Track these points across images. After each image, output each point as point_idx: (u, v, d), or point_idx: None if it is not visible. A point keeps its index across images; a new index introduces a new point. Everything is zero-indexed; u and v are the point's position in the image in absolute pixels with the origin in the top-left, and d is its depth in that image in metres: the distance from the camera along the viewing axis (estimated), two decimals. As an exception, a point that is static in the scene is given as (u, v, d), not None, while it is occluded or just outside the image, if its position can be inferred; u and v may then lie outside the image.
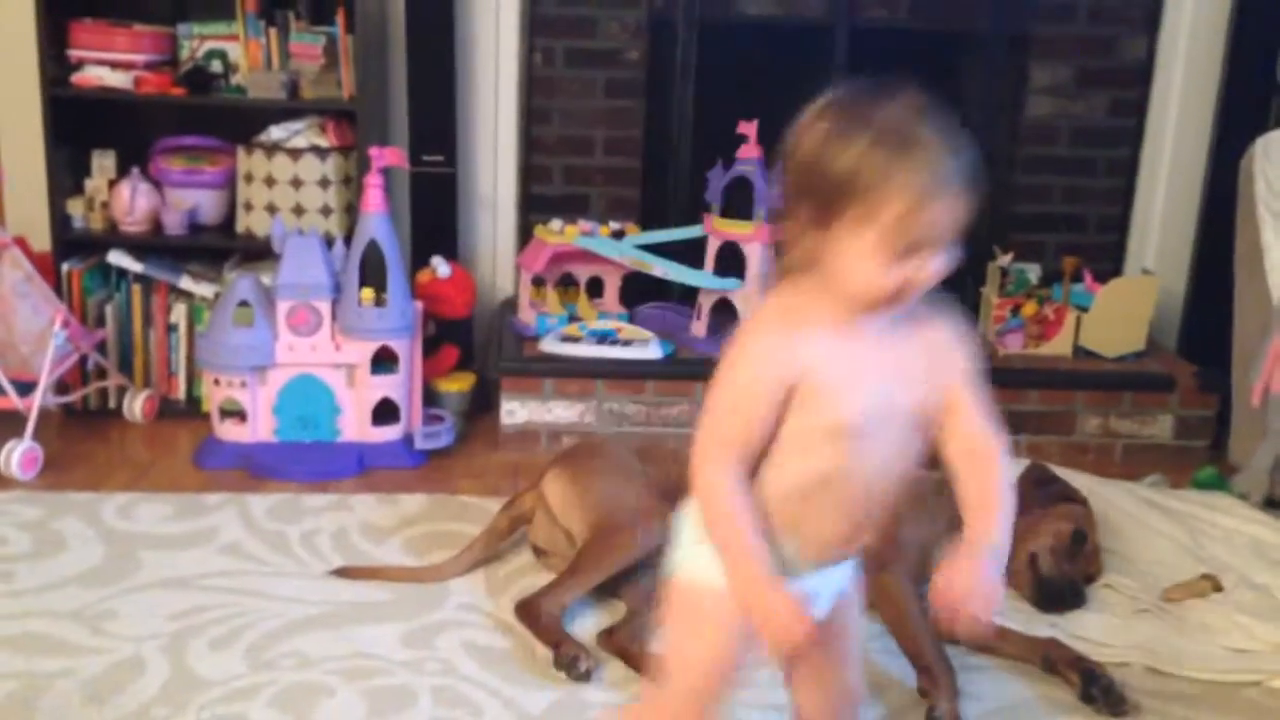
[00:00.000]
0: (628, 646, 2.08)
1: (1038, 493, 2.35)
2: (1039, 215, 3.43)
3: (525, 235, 3.25)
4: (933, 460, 1.33)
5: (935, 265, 1.19)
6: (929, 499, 2.36)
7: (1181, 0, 3.28)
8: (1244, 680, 2.02)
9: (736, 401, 1.24)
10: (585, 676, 2.00)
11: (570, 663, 2.02)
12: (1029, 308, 3.15)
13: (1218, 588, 2.22)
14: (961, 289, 3.39)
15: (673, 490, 2.30)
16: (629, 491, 2.29)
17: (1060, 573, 2.25)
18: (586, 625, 2.17)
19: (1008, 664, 2.12)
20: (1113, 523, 2.45)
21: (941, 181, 1.15)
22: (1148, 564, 2.34)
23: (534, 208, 3.31)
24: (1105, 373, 3.10)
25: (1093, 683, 1.97)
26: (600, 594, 2.23)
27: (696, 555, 1.32)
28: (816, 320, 1.23)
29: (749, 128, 2.92)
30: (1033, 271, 3.25)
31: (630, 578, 2.22)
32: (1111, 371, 3.11)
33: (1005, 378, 3.05)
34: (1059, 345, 3.15)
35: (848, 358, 1.23)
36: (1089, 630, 2.16)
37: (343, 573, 2.32)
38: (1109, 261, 3.40)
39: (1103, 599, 2.23)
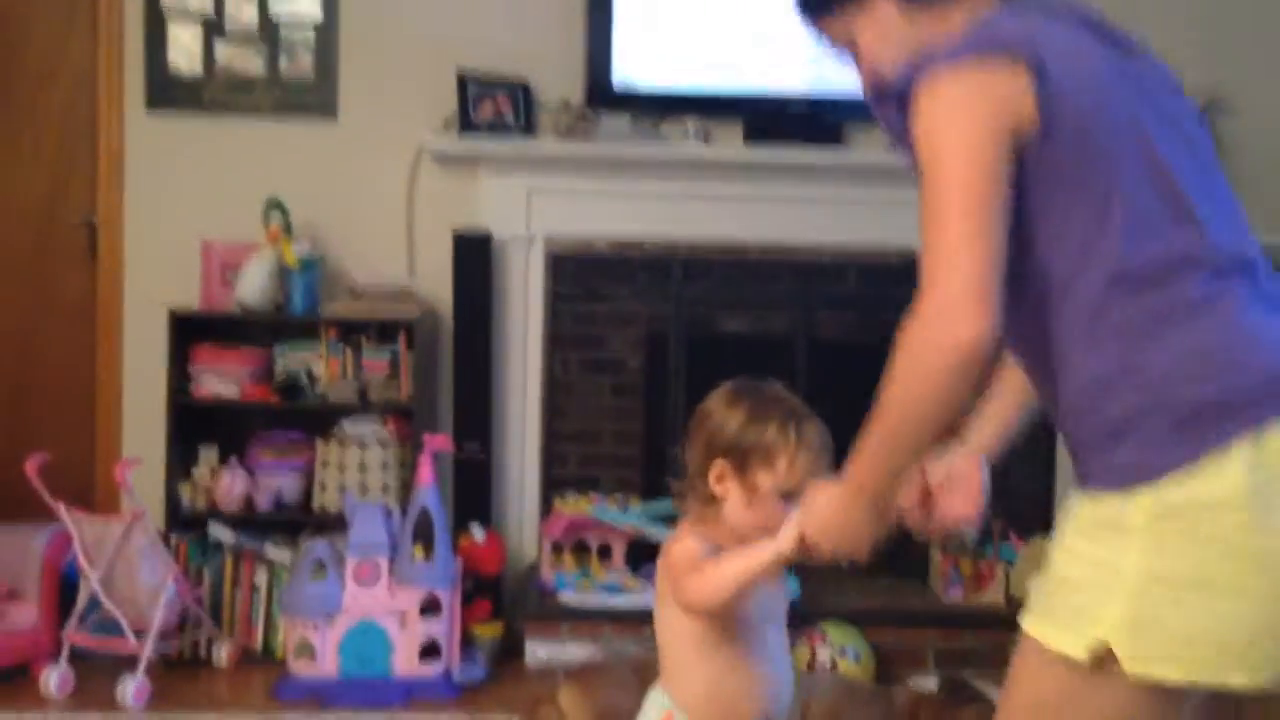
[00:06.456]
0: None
1: (952, 699, 2.92)
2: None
3: (548, 508, 3.95)
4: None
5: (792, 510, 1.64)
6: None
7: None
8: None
9: None
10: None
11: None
12: (965, 565, 3.79)
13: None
14: (910, 548, 4.03)
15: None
16: (625, 697, 2.87)
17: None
18: (590, 804, 2.71)
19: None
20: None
21: (819, 447, 1.72)
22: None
23: (554, 485, 4.03)
24: (1032, 615, 3.69)
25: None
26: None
27: None
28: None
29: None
30: (968, 534, 3.90)
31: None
32: (1037, 614, 3.69)
33: (948, 620, 3.67)
34: (992, 593, 3.76)
35: None
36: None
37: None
38: (1033, 523, 4.02)
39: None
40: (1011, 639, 3.73)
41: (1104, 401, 1.43)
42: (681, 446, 1.79)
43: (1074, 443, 1.50)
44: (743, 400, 1.73)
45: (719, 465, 1.71)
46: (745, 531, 1.71)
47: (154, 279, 4.02)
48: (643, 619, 3.65)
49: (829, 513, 1.55)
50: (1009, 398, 1.74)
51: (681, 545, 1.72)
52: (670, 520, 3.73)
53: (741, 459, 1.69)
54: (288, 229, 3.83)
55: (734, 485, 1.70)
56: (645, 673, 3.07)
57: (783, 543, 1.61)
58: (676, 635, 1.76)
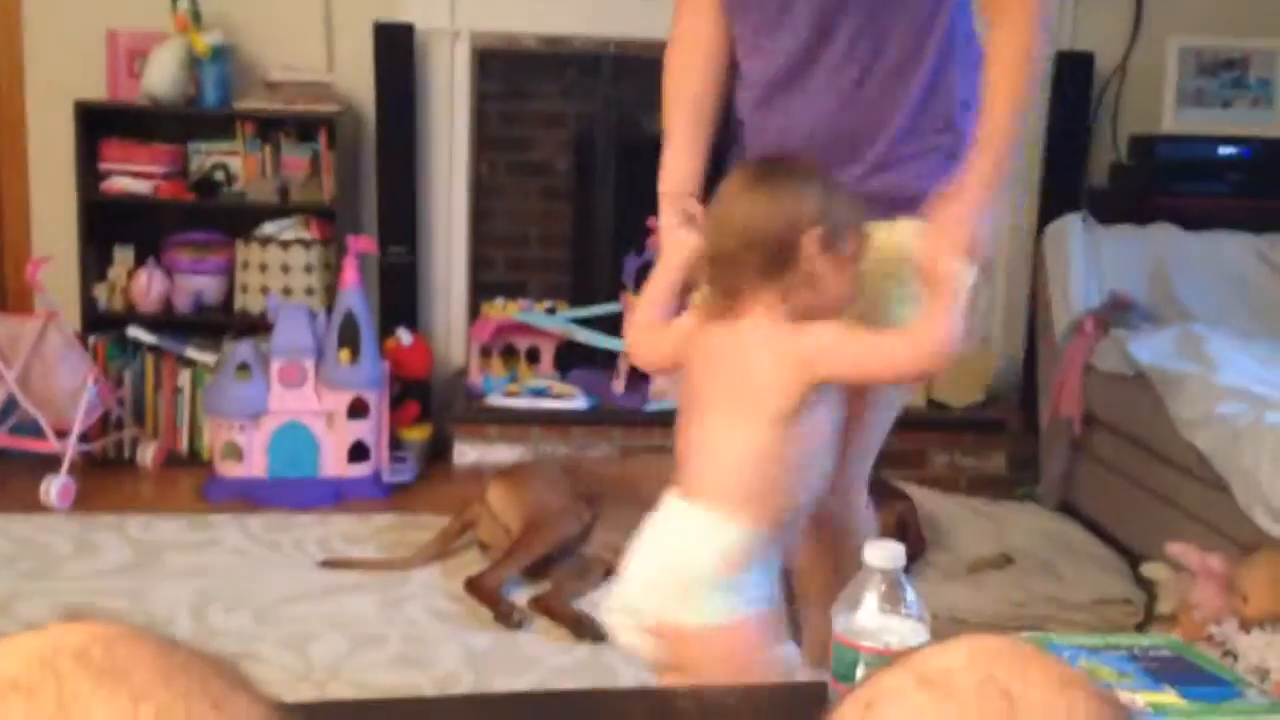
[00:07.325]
0: (552, 606, 2.69)
1: (874, 497, 3.00)
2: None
3: (475, 312, 3.92)
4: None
5: None
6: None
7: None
8: (1021, 626, 2.66)
9: None
10: (518, 626, 2.62)
11: (506, 616, 2.63)
12: (888, 367, 3.85)
13: (1010, 561, 2.88)
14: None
15: (589, 495, 2.95)
16: (554, 495, 2.92)
17: (890, 553, 2.89)
18: (520, 596, 2.78)
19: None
20: (938, 519, 3.10)
21: None
22: (962, 547, 2.99)
23: (481, 290, 3.99)
24: (951, 418, 3.80)
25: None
26: (531, 575, 2.84)
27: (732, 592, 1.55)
28: None
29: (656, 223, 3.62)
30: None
31: (555, 561, 2.85)
32: (956, 417, 3.80)
33: (869, 423, 3.74)
34: (913, 396, 3.83)
35: None
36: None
37: (329, 564, 2.92)
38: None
39: (921, 571, 2.87)
40: (930, 440, 3.80)
41: (935, 124, 1.75)
42: (715, 256, 1.63)
43: (882, 159, 1.76)
44: (809, 174, 1.62)
45: (812, 240, 1.56)
46: (835, 307, 1.60)
47: (57, 70, 3.80)
48: (570, 420, 3.70)
49: (978, 212, 1.63)
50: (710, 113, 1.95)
51: (825, 331, 1.56)
52: (594, 322, 3.73)
53: (833, 229, 1.58)
54: (196, 17, 3.63)
55: (826, 258, 1.58)
56: (574, 472, 3.12)
57: (957, 267, 1.55)
58: (775, 453, 1.57)
